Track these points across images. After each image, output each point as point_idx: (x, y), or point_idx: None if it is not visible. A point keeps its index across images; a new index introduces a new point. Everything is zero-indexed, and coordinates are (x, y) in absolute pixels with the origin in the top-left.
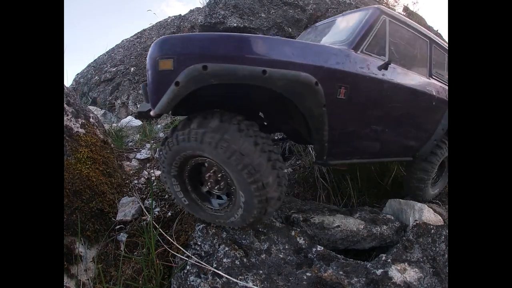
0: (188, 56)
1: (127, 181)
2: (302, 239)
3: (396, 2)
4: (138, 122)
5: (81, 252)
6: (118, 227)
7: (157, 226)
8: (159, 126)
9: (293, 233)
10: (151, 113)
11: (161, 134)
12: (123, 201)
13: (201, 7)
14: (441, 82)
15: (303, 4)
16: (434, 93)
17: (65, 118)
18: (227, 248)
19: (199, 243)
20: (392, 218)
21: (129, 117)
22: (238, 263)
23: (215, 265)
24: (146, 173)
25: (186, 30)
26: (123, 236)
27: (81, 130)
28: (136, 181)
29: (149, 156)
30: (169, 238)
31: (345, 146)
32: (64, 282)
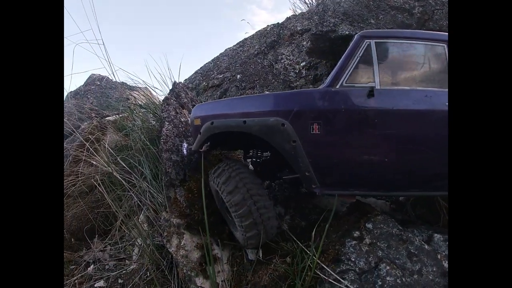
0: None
1: None
2: (447, 262)
3: None
4: None
5: (217, 253)
6: None
7: (297, 241)
8: None
9: (439, 256)
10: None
11: None
12: None
13: (295, 14)
14: None
15: (410, 7)
16: None
17: None
18: (388, 267)
19: (353, 259)
20: None
21: None
22: (399, 282)
23: (380, 283)
24: None
25: (287, 37)
26: (251, 252)
27: None
28: None
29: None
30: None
31: (338, 176)
32: (199, 283)
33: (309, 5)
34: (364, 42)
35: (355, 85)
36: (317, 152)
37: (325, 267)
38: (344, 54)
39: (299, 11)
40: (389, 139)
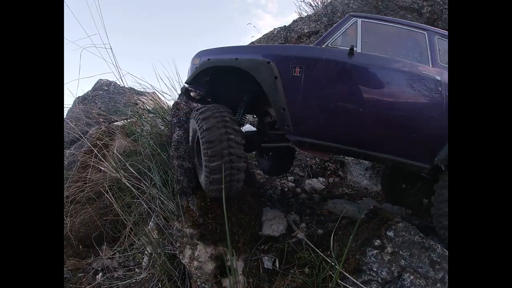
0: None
1: (262, 190)
2: None
3: None
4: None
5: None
6: (266, 246)
7: (317, 250)
8: None
9: None
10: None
11: None
12: (266, 213)
13: (302, 16)
14: None
15: (418, 7)
16: (440, 79)
17: None
18: (412, 277)
19: (375, 269)
20: None
21: (248, 125)
22: None
23: None
24: (278, 183)
25: (294, 40)
26: (268, 260)
27: None
28: (271, 191)
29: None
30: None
31: (312, 123)
32: None
33: (315, 8)
34: (352, 19)
35: (339, 47)
36: (295, 92)
37: (349, 276)
38: (333, 26)
39: (305, 14)
40: (363, 90)
